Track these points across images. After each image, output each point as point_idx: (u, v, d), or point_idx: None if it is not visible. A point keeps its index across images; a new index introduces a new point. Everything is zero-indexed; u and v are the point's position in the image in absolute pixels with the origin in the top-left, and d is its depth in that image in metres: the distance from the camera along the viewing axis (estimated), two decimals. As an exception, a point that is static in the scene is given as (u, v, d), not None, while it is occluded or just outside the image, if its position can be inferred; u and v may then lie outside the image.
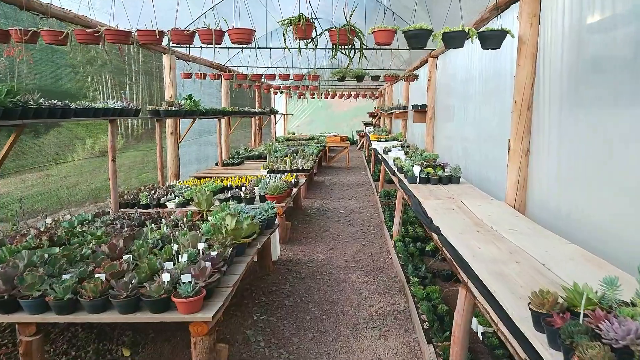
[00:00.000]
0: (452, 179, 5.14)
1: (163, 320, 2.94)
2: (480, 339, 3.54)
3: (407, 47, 4.08)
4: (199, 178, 8.44)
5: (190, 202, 5.94)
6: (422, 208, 4.02)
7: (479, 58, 5.60)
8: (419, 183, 5.15)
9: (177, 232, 4.09)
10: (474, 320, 3.60)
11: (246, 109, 12.93)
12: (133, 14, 5.45)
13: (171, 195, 6.50)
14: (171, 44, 4.37)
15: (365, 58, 4.37)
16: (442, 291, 4.45)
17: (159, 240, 3.98)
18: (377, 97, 22.25)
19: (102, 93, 7.40)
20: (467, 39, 3.78)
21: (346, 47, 4.12)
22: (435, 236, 3.43)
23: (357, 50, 4.19)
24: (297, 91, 17.41)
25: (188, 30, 4.22)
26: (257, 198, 6.39)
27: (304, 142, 15.48)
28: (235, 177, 8.05)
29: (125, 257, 3.45)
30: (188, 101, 8.02)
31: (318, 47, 4.20)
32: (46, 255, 3.38)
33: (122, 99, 7.28)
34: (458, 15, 5.25)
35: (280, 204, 6.20)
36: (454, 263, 2.78)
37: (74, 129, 6.75)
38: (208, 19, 4.79)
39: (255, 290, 4.83)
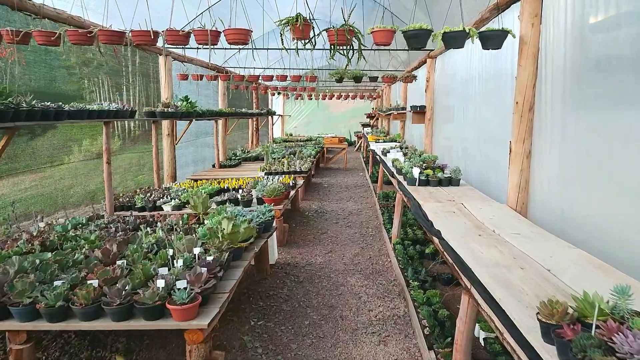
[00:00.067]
0: (452, 181, 5.07)
1: (157, 328, 2.86)
2: (482, 344, 3.47)
3: (406, 48, 4.02)
4: (196, 180, 8.36)
5: (187, 205, 5.86)
6: (422, 211, 3.95)
7: (478, 58, 5.54)
8: (419, 185, 5.08)
9: (172, 236, 4.01)
10: (476, 325, 3.53)
11: (243, 110, 12.85)
12: (128, 15, 5.37)
13: (167, 198, 6.41)
14: (166, 45, 4.28)
15: (364, 59, 4.30)
16: (443, 295, 4.38)
17: (154, 245, 3.91)
18: (375, 98, 22.20)
19: (98, 94, 7.33)
20: (468, 39, 3.71)
21: (344, 47, 4.06)
22: (435, 240, 3.36)
23: (355, 51, 4.12)
24: (295, 92, 17.34)
25: (183, 31, 4.14)
26: (255, 200, 6.31)
27: (302, 143, 15.41)
28: (232, 179, 7.97)
29: (119, 262, 3.37)
30: (184, 102, 7.95)
31: (316, 48, 4.13)
32: (37, 261, 3.30)
33: (117, 101, 7.21)
34: (458, 15, 5.19)
35: (277, 206, 6.12)
36: (456, 268, 2.71)
37: (70, 131, 6.68)
38: (204, 20, 4.71)
39: (253, 295, 4.75)
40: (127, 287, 2.95)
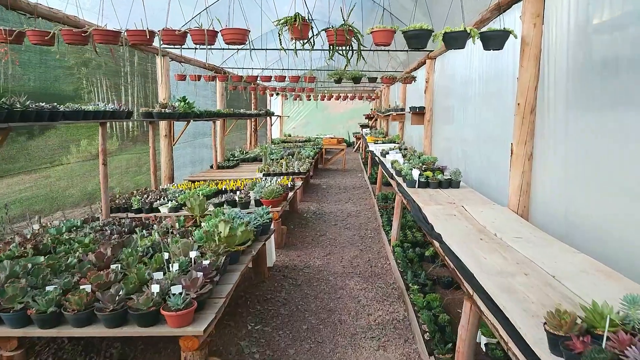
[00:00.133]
0: (452, 183, 5.01)
1: (151, 335, 2.79)
2: (484, 350, 3.40)
3: (405, 49, 3.97)
4: (193, 181, 8.29)
5: (184, 207, 5.79)
6: (422, 214, 3.89)
7: (479, 59, 5.49)
8: (418, 187, 5.02)
9: (168, 239, 3.94)
10: (477, 330, 3.47)
11: (242, 110, 12.77)
12: (124, 15, 5.29)
13: (164, 199, 6.33)
14: (162, 45, 4.22)
15: (364, 59, 4.24)
16: (443, 299, 4.32)
17: (150, 248, 3.83)
18: (374, 99, 22.15)
19: (97, 95, 7.28)
20: (469, 39, 3.65)
21: (344, 48, 4.00)
22: (436, 243, 3.30)
23: (354, 52, 4.06)
24: (293, 93, 17.27)
25: (179, 30, 4.07)
26: (252, 202, 6.24)
27: (300, 144, 15.34)
28: (230, 180, 7.90)
29: (113, 266, 3.29)
30: (182, 103, 7.87)
31: (314, 48, 4.07)
32: (30, 265, 3.22)
33: (114, 101, 7.14)
34: (458, 15, 5.13)
35: (275, 208, 6.05)
36: (457, 273, 2.65)
37: (68, 131, 6.63)
38: (202, 21, 4.64)
39: (250, 299, 4.69)
40: (120, 293, 2.88)
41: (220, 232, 3.82)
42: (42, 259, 3.40)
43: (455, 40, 3.66)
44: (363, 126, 20.40)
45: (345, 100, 19.49)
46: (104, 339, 3.69)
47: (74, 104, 5.38)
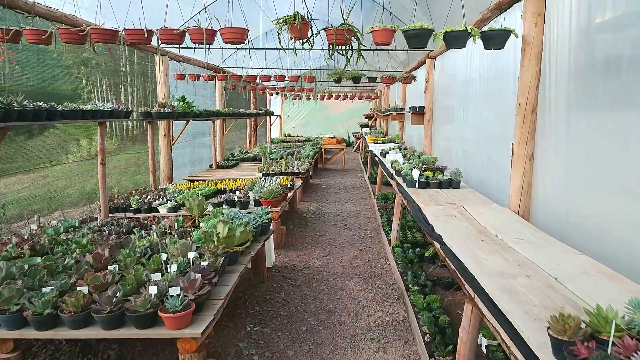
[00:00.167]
0: (452, 183, 4.99)
1: (149, 337, 2.76)
2: (484, 352, 3.37)
3: (405, 48, 3.94)
4: (193, 181, 8.27)
5: (182, 207, 5.76)
6: (422, 214, 3.86)
7: (479, 58, 5.46)
8: (418, 187, 4.99)
9: (166, 240, 3.91)
10: (478, 332, 3.44)
11: (241, 110, 12.73)
12: (123, 14, 5.26)
13: (163, 199, 6.30)
14: (161, 44, 4.18)
15: (363, 58, 4.21)
16: (443, 300, 4.29)
17: (148, 249, 3.81)
18: (374, 99, 22.11)
19: (96, 94, 7.26)
20: (469, 38, 3.62)
21: (343, 47, 3.97)
22: (437, 245, 3.27)
23: (354, 51, 4.03)
24: (293, 92, 17.24)
25: (178, 30, 4.04)
26: (252, 202, 6.21)
27: (300, 144, 15.31)
28: (229, 180, 7.87)
29: (110, 267, 3.27)
30: (181, 103, 7.83)
31: (314, 48, 4.04)
32: (26, 266, 3.19)
33: (113, 101, 7.12)
34: (458, 15, 5.11)
35: (275, 208, 6.02)
36: (458, 275, 2.62)
37: (67, 131, 6.61)
38: (201, 20, 4.60)
39: (249, 299, 4.66)
40: (118, 294, 2.85)
41: (219, 232, 3.79)
42: (39, 259, 3.36)
43: (456, 40, 3.63)
44: (363, 126, 20.37)
45: (344, 99, 19.46)
46: (101, 341, 3.66)
47: (74, 103, 5.36)
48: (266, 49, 8.08)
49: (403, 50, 7.37)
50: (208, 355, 3.14)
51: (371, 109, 21.09)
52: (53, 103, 4.78)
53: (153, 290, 2.85)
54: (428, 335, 3.63)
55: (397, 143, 10.49)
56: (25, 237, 4.15)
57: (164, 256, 3.41)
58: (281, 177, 8.09)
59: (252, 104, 16.03)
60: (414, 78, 9.75)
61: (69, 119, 4.97)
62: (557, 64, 3.48)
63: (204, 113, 8.66)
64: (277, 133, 22.05)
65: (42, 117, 4.53)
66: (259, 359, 3.58)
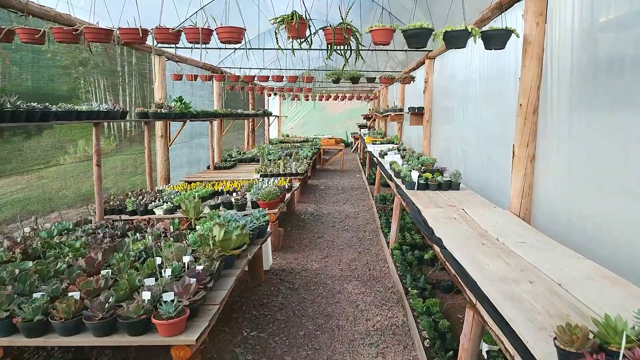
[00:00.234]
0: (451, 185, 4.92)
1: (141, 344, 2.69)
2: (485, 357, 3.31)
3: (404, 48, 3.88)
4: (190, 182, 8.20)
5: (178, 209, 5.69)
6: (421, 217, 3.80)
7: (479, 58, 5.40)
8: (418, 189, 4.93)
9: (162, 243, 3.84)
10: (478, 337, 3.37)
11: (239, 111, 12.66)
12: (119, 14, 5.20)
13: (160, 201, 6.23)
14: (156, 43, 4.11)
15: (362, 59, 4.14)
16: (443, 304, 4.23)
17: (143, 252, 3.74)
18: (372, 99, 22.06)
19: (94, 95, 7.20)
20: (470, 38, 3.56)
21: (342, 47, 3.90)
22: (437, 248, 3.21)
23: (353, 51, 3.97)
24: (291, 93, 17.17)
25: (173, 29, 3.97)
26: (249, 204, 6.15)
27: (298, 144, 15.24)
28: (226, 181, 7.80)
29: (103, 272, 3.19)
30: (178, 103, 7.77)
31: (312, 48, 3.98)
32: (17, 271, 3.12)
33: (111, 101, 7.06)
34: (457, 15, 5.05)
35: (272, 210, 5.96)
36: (459, 280, 2.56)
37: (62, 131, 6.56)
38: (198, 21, 4.54)
39: (246, 303, 4.59)
40: (110, 300, 2.78)
41: (215, 236, 3.72)
42: (30, 264, 3.29)
43: (456, 40, 3.57)
44: (361, 126, 20.31)
45: (343, 100, 19.40)
46: (94, 347, 3.59)
47: (71, 103, 5.33)
48: (264, 49, 8.03)
49: (402, 50, 7.32)
50: (203, 361, 3.07)
51: (370, 110, 21.03)
52: (47, 104, 4.72)
53: (146, 295, 2.78)
54: (428, 340, 3.57)
55: (396, 144, 10.43)
56: (18, 240, 4.08)
57: (158, 260, 3.34)
58: (279, 178, 8.03)
59: (250, 105, 15.95)
60: (412, 78, 9.69)
61: (64, 119, 4.90)
62: (559, 63, 3.42)
63: (201, 114, 8.59)
64: (275, 134, 21.98)
65: (35, 118, 4.47)
66: (256, 365, 3.51)
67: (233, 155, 11.99)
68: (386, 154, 7.82)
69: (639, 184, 2.55)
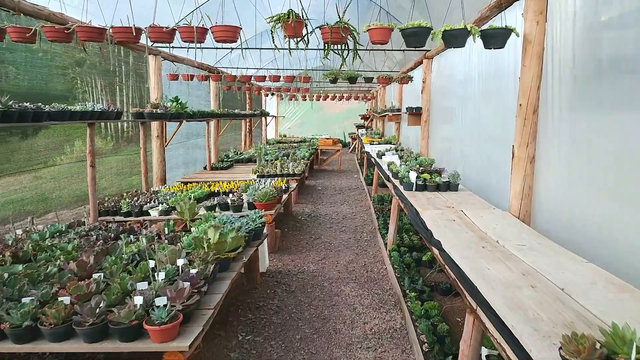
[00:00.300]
0: (450, 186, 4.86)
1: (133, 350, 2.62)
2: (485, 362, 3.25)
3: (402, 48, 3.83)
4: (186, 183, 8.12)
5: (173, 211, 5.62)
6: (420, 219, 3.74)
7: (478, 57, 5.35)
8: (416, 190, 4.87)
9: (155, 245, 3.76)
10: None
11: (236, 111, 12.58)
12: (114, 12, 5.13)
13: (155, 202, 6.16)
14: (150, 43, 4.04)
15: (360, 58, 4.08)
16: (442, 307, 4.17)
17: (136, 255, 3.66)
18: (370, 99, 22.01)
19: (91, 95, 7.14)
20: (469, 37, 3.50)
21: (339, 46, 3.84)
22: (436, 251, 3.15)
23: (350, 50, 3.90)
24: (288, 93, 17.11)
25: (167, 27, 3.90)
26: (246, 205, 6.08)
27: (296, 144, 15.17)
28: (223, 182, 7.72)
29: (95, 275, 3.12)
30: (174, 103, 7.69)
31: (309, 47, 3.91)
32: (6, 275, 3.04)
33: (108, 101, 6.99)
34: (456, 14, 5.00)
35: (269, 211, 5.89)
36: (460, 285, 2.49)
37: (64, 131, 6.53)
38: (194, 21, 4.46)
39: (241, 306, 4.52)
40: (101, 305, 2.71)
41: (210, 238, 3.65)
42: (20, 267, 3.21)
43: (455, 38, 3.51)
44: (359, 127, 20.24)
45: (340, 100, 19.34)
46: (86, 352, 3.51)
47: (69, 104, 5.27)
48: (261, 48, 7.96)
49: (400, 50, 7.26)
50: (197, 367, 3.00)
51: (367, 110, 20.98)
52: (40, 104, 4.64)
53: (138, 300, 2.71)
54: (426, 344, 3.50)
55: (394, 144, 10.36)
56: (10, 242, 4.01)
57: (151, 263, 3.26)
58: (276, 178, 7.96)
59: (247, 105, 15.88)
60: (410, 78, 9.64)
61: (57, 120, 4.83)
62: (560, 63, 3.37)
63: (197, 114, 8.51)
64: (272, 134, 21.90)
65: (28, 118, 4.39)
66: (251, 370, 3.45)
67: (230, 156, 11.91)
68: (384, 155, 7.76)
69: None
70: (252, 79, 10.19)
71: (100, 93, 7.37)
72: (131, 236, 4.14)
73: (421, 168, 5.42)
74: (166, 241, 3.98)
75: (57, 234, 4.38)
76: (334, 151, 15.89)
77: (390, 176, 5.81)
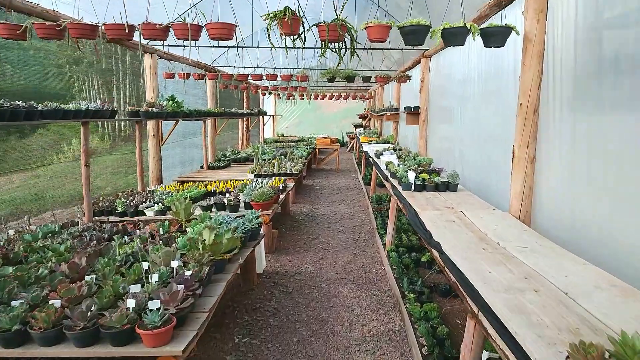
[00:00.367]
0: (449, 186, 4.81)
1: (125, 355, 2.55)
2: (485, 365, 3.20)
3: (401, 47, 3.77)
4: (183, 182, 8.05)
5: (169, 211, 5.54)
6: (419, 219, 3.68)
7: (477, 56, 5.29)
8: (414, 190, 4.81)
9: (149, 247, 3.70)
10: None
11: (233, 110, 12.51)
12: (109, 10, 5.05)
13: (151, 202, 6.09)
14: (143, 40, 3.97)
15: (358, 56, 4.02)
16: (441, 309, 4.11)
17: (130, 256, 3.59)
18: (368, 99, 21.95)
19: (88, 93, 7.07)
20: (469, 35, 3.45)
21: (337, 45, 3.78)
22: (435, 252, 3.09)
23: (348, 49, 3.84)
24: (286, 92, 17.04)
25: (161, 24, 3.83)
26: (242, 205, 6.01)
27: (293, 144, 15.11)
28: (219, 181, 7.66)
29: (87, 278, 3.06)
30: (170, 102, 7.61)
31: (306, 45, 3.85)
32: (-4, 277, 2.97)
33: (105, 100, 6.92)
34: (455, 12, 4.94)
35: (266, 211, 5.82)
36: (460, 288, 2.44)
37: (61, 130, 6.46)
38: (189, 18, 4.39)
39: (238, 308, 4.45)
40: (92, 308, 2.65)
41: (205, 240, 3.58)
42: (10, 269, 3.14)
43: (454, 37, 3.45)
44: (357, 126, 20.20)
45: (338, 99, 19.28)
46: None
47: (66, 102, 5.22)
48: (257, 47, 7.88)
49: (398, 49, 7.20)
50: (192, 371, 2.94)
51: (365, 109, 20.93)
52: (32, 102, 4.56)
53: (131, 303, 2.64)
54: (426, 347, 3.45)
55: (392, 144, 10.31)
56: (1, 243, 3.93)
57: (145, 265, 3.20)
58: (273, 178, 7.90)
59: (244, 104, 15.80)
60: (408, 77, 9.58)
61: (50, 118, 4.75)
62: (561, 62, 3.31)
63: (194, 113, 8.44)
64: (270, 133, 21.82)
65: (19, 116, 4.31)
66: (247, 374, 3.39)
67: (227, 155, 11.84)
68: (382, 154, 7.71)
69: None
70: (249, 77, 10.12)
71: (97, 92, 7.31)
72: (125, 237, 4.07)
73: (420, 168, 5.37)
74: (160, 242, 3.91)
75: (50, 234, 4.30)
76: (332, 150, 15.83)
77: (389, 176, 5.75)
